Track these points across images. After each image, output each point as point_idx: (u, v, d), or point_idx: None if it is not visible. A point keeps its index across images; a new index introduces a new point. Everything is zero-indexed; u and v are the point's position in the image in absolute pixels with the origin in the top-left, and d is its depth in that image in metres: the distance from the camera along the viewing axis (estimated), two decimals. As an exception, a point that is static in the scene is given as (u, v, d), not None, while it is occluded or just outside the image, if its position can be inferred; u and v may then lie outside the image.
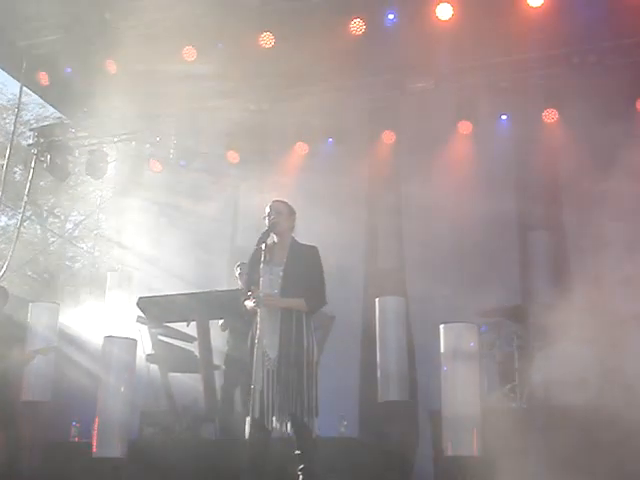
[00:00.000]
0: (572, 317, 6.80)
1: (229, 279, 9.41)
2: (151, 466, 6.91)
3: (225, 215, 11.31)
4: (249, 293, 5.34)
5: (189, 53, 9.92)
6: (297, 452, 5.17)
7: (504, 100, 9.83)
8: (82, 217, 21.64)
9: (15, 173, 18.58)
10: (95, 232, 14.61)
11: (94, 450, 6.80)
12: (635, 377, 6.51)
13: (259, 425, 5.07)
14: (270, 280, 5.28)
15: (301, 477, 5.13)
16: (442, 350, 6.70)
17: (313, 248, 5.51)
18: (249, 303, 5.35)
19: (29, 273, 20.73)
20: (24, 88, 11.50)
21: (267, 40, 9.64)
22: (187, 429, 7.83)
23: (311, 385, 5.21)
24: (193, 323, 8.09)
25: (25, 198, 12.13)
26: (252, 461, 5.09)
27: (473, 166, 9.63)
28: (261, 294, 5.24)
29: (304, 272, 5.35)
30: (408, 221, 9.98)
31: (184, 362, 8.36)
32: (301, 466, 5.15)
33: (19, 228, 13.62)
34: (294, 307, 5.29)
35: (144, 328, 8.27)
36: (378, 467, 6.60)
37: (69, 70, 10.55)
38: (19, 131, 18.08)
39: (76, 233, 22.16)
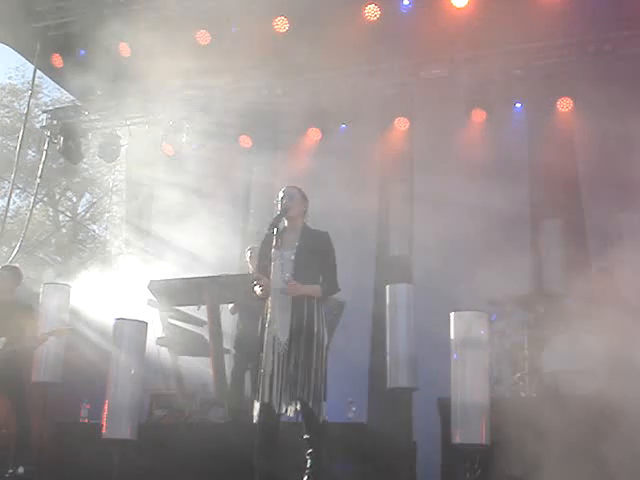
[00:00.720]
0: (583, 306, 6.78)
1: (241, 263, 9.42)
2: (160, 449, 6.94)
3: (237, 199, 11.31)
4: (255, 281, 5.36)
5: (203, 37, 9.92)
6: (305, 436, 5.20)
7: (519, 88, 9.76)
8: (94, 200, 21.76)
9: (28, 155, 18.65)
10: (107, 215, 14.67)
11: (104, 431, 6.82)
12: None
13: (268, 409, 5.09)
14: (281, 265, 5.28)
15: (309, 461, 5.16)
16: (452, 338, 6.67)
17: (324, 234, 5.52)
18: (258, 289, 5.37)
19: (41, 255, 20.85)
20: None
21: (281, 24, 9.63)
22: (196, 412, 7.88)
23: (320, 370, 5.23)
24: (203, 307, 8.12)
25: (38, 180, 12.18)
26: (262, 445, 5.11)
27: (486, 154, 9.56)
28: (284, 281, 5.24)
29: (315, 258, 5.37)
30: (420, 208, 9.94)
31: (194, 345, 8.40)
32: (309, 450, 5.18)
33: (31, 210, 13.72)
34: (311, 294, 5.30)
35: (155, 311, 8.31)
36: (385, 453, 6.60)
37: (83, 53, 10.54)
38: (36, 113, 18.15)
39: (88, 215, 22.27)
